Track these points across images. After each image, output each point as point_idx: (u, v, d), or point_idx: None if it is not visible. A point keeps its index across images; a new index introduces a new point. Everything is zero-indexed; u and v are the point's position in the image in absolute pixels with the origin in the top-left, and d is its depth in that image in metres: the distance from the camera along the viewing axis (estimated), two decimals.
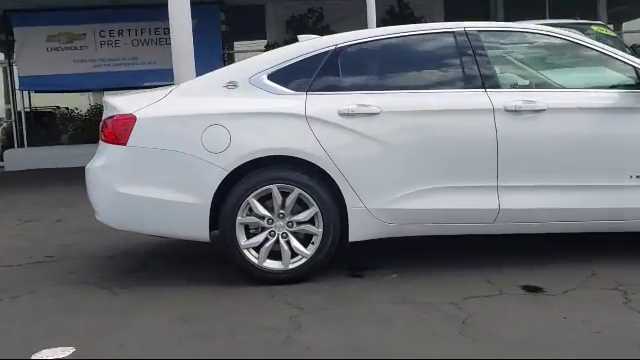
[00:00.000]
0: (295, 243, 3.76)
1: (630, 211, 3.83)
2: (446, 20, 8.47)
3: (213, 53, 12.22)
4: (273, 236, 3.75)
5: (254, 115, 3.79)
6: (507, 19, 11.14)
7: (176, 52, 6.61)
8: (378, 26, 7.75)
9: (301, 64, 3.91)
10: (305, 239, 3.79)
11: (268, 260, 3.76)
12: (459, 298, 3.39)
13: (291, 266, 3.77)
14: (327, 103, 3.80)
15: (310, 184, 3.73)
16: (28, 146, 13.32)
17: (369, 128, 3.75)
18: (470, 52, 3.90)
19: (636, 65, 3.88)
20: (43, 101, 14.84)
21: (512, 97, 3.80)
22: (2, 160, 13.09)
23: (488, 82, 3.84)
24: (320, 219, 3.74)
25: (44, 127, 14.33)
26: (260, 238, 3.75)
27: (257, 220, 3.75)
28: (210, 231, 3.76)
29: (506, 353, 2.71)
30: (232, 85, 3.87)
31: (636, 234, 4.00)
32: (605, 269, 3.79)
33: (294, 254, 3.77)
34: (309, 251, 3.76)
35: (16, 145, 13.43)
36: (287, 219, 3.75)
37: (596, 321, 3.03)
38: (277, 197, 3.72)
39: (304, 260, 3.77)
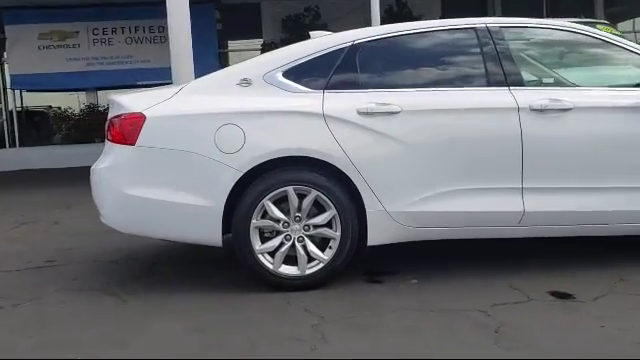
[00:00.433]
0: (312, 247, 3.60)
1: None
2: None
3: (209, 52, 12.03)
4: (289, 240, 3.58)
5: (269, 114, 3.62)
6: None
7: (175, 51, 6.46)
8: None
9: (317, 61, 3.75)
10: (321, 243, 3.63)
11: (283, 265, 3.60)
12: (487, 305, 3.24)
13: (308, 271, 3.61)
14: (345, 101, 3.64)
15: (328, 186, 3.57)
16: (20, 146, 13.06)
17: (389, 127, 3.60)
18: (493, 49, 3.76)
19: None
20: (34, 101, 14.59)
21: (537, 96, 3.66)
22: None
23: (512, 80, 3.70)
24: (338, 222, 3.58)
25: (36, 127, 14.09)
26: (275, 242, 3.59)
27: (272, 223, 3.59)
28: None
29: None
30: (245, 83, 3.70)
31: None
32: (633, 274, 3.66)
33: (310, 259, 3.61)
34: (326, 256, 3.60)
35: (7, 145, 13.17)
36: (303, 222, 3.59)
37: (635, 330, 2.89)
38: (293, 199, 3.56)
39: (321, 265, 3.61)
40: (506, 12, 13.47)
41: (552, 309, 3.22)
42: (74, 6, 12.37)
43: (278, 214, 3.57)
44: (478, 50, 3.78)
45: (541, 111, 3.62)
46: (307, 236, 3.59)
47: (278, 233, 3.59)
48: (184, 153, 3.57)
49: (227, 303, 3.49)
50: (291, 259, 3.60)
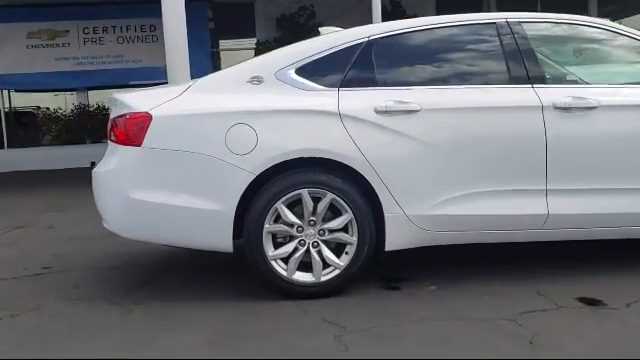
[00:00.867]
0: (327, 253, 3.43)
1: None
2: None
3: (201, 51, 11.84)
4: (303, 245, 3.41)
5: (283, 113, 3.44)
6: None
7: (170, 51, 6.34)
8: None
9: (331, 57, 3.58)
10: (337, 249, 3.46)
11: (297, 272, 3.43)
12: (515, 313, 3.08)
13: (323, 278, 3.43)
14: (362, 100, 3.47)
15: (344, 188, 3.39)
16: (8, 147, 12.77)
17: (408, 127, 3.43)
18: (514, 45, 3.61)
19: None
20: (22, 101, 14.30)
21: (561, 93, 3.51)
22: None
23: (534, 77, 3.55)
24: (355, 226, 3.41)
25: (24, 128, 13.80)
26: (289, 248, 3.41)
27: (286, 228, 3.41)
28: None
29: None
30: (257, 80, 3.52)
31: None
32: None
33: (325, 265, 3.44)
34: (342, 262, 3.43)
35: None
36: (318, 227, 3.41)
37: None
38: (308, 203, 3.38)
39: (337, 272, 3.44)
40: (500, 11, 13.34)
41: (584, 317, 3.07)
42: (64, 4, 12.14)
43: (292, 218, 3.39)
44: (499, 46, 3.63)
45: (565, 109, 3.48)
46: (322, 241, 3.42)
47: (292, 238, 3.42)
48: (193, 154, 3.38)
49: (239, 312, 3.30)
50: (305, 265, 3.43)
